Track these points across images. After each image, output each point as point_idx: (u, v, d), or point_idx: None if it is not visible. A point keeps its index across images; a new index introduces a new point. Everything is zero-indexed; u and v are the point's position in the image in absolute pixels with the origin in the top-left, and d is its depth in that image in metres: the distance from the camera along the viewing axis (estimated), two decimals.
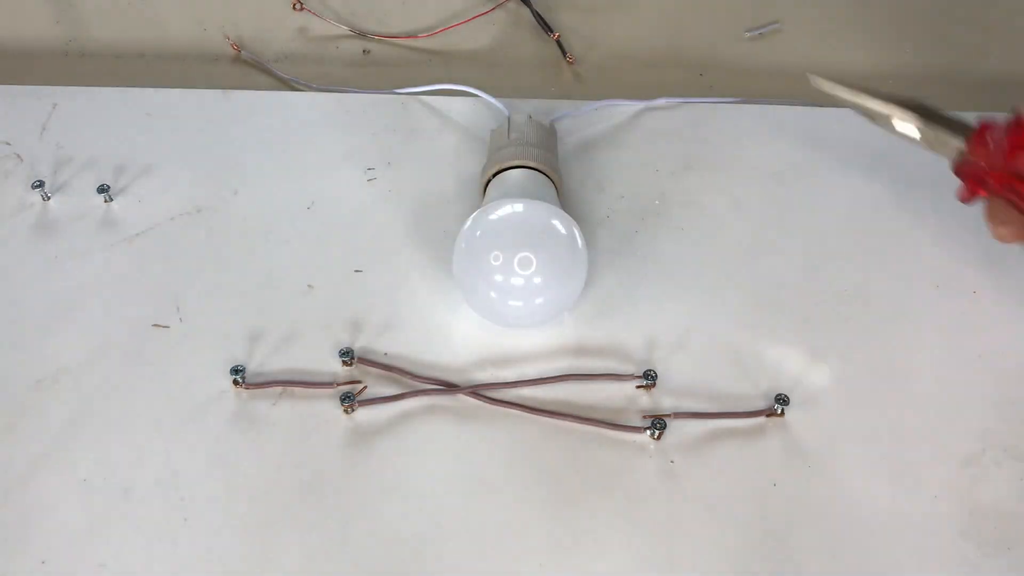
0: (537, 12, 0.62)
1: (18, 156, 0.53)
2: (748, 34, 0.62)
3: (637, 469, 0.41)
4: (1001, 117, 0.41)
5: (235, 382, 0.43)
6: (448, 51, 0.62)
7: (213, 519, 0.39)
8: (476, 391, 0.43)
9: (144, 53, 0.62)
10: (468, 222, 0.44)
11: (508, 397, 0.43)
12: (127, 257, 0.49)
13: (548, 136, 0.51)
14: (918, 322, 0.46)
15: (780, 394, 0.42)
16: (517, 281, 0.42)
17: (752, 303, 0.46)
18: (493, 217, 0.43)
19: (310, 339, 0.45)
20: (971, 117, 0.43)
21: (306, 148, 0.54)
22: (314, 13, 0.63)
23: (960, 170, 0.43)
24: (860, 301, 0.46)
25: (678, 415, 0.42)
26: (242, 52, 0.61)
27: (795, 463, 0.41)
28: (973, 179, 0.42)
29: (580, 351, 0.45)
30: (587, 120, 0.55)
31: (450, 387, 0.43)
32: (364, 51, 0.62)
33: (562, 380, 0.43)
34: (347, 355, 0.44)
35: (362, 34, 0.63)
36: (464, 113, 0.55)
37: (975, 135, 0.42)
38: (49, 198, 0.51)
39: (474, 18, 0.63)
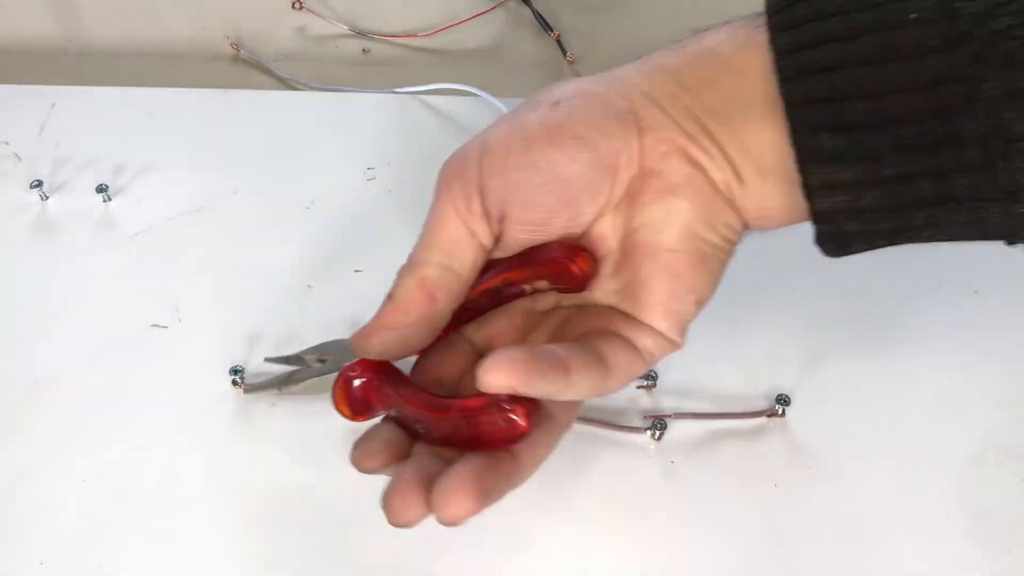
0: (537, 12, 0.62)
1: (16, 155, 0.53)
2: None
3: (638, 469, 0.41)
4: None
5: (234, 382, 0.43)
6: (448, 51, 0.62)
7: (213, 519, 0.39)
8: None
9: (143, 53, 0.62)
10: None
11: None
12: (126, 257, 0.48)
13: None
14: (919, 322, 0.46)
15: (781, 394, 0.42)
16: None
17: (752, 303, 0.46)
18: None
19: (310, 339, 0.45)
20: None
21: (306, 148, 0.54)
22: (314, 12, 0.63)
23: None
24: (861, 301, 0.46)
25: (679, 415, 0.42)
26: (241, 51, 0.61)
27: (796, 464, 0.41)
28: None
29: None
30: None
31: None
32: (364, 50, 0.62)
33: None
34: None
35: (362, 33, 0.62)
36: (464, 113, 0.55)
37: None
38: (48, 198, 0.51)
39: (474, 17, 0.62)
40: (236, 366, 0.43)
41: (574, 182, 0.33)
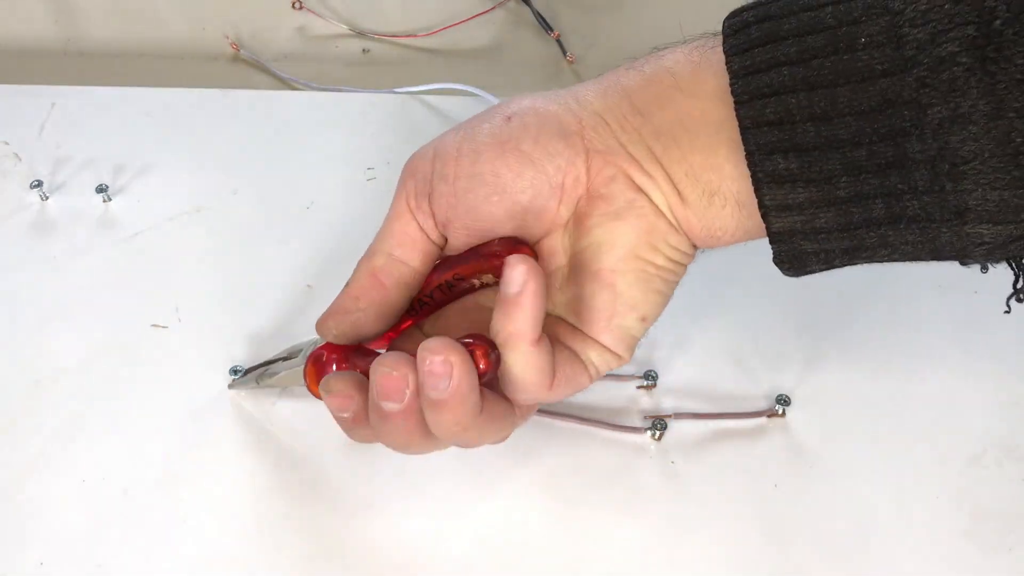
0: (537, 11, 0.62)
1: (16, 155, 0.53)
2: None
3: (638, 470, 0.41)
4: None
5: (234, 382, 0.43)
6: (448, 50, 0.62)
7: (213, 519, 0.39)
8: None
9: (143, 53, 0.62)
10: None
11: None
12: (126, 257, 0.48)
13: None
14: (919, 322, 0.46)
15: (781, 394, 0.42)
16: None
17: (752, 303, 0.46)
18: None
19: (310, 339, 0.45)
20: None
21: (305, 148, 0.54)
22: (314, 12, 0.63)
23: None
24: (861, 301, 0.46)
25: (679, 416, 0.42)
26: (241, 51, 0.61)
27: (796, 464, 0.41)
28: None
29: None
30: None
31: None
32: (363, 50, 0.62)
33: None
34: None
35: (361, 33, 0.62)
36: (464, 113, 0.55)
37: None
38: (47, 198, 0.51)
39: (474, 17, 0.62)
40: (236, 366, 0.43)
41: (519, 197, 0.34)
